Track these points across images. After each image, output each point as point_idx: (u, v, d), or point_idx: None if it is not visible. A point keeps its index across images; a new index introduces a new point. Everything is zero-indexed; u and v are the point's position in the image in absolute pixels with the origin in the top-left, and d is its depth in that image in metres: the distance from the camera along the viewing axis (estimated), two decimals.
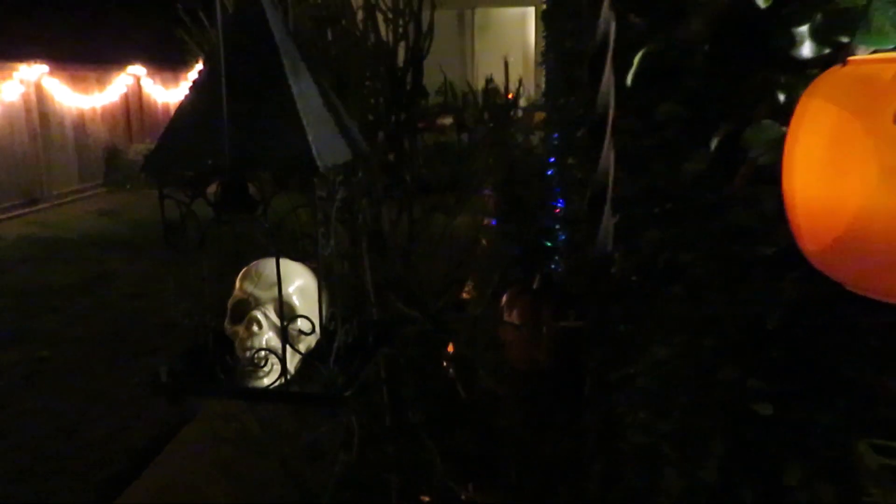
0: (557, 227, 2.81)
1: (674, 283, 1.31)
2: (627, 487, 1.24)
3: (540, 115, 3.45)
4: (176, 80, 15.72)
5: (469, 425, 1.89)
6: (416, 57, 1.83)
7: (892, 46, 0.99)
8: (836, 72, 0.91)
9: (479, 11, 12.17)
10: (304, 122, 0.86)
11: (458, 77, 5.26)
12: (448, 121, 3.08)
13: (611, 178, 0.94)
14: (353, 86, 1.76)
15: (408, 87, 1.82)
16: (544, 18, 3.06)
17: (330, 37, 1.77)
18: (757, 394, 1.19)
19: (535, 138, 3.73)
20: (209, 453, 2.54)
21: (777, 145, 1.12)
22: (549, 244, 2.90)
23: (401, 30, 1.81)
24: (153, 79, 15.10)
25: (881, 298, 0.89)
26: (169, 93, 15.68)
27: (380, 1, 1.76)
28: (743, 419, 1.19)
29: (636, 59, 1.10)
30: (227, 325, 0.98)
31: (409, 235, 1.75)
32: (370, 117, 1.77)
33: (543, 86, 3.39)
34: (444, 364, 1.94)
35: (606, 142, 0.92)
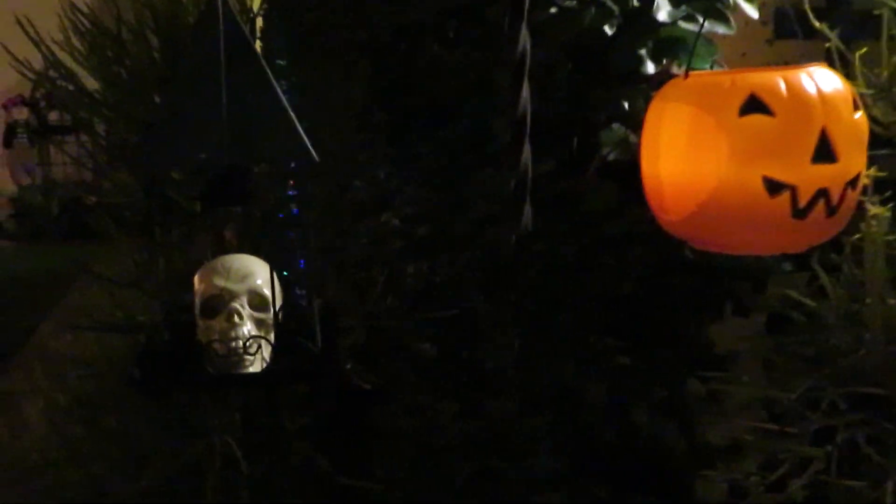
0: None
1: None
2: None
3: None
4: None
5: None
6: None
7: (706, 67, 1.33)
8: (680, 82, 1.19)
9: None
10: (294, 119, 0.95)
11: None
12: None
13: (529, 170, 1.13)
14: None
15: None
16: None
17: None
18: (617, 350, 1.46)
19: None
20: None
21: (623, 144, 1.40)
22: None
23: None
24: None
25: (737, 252, 1.19)
26: None
27: None
28: (607, 372, 1.45)
29: None
30: (199, 320, 1.01)
31: None
32: None
33: None
34: None
35: (526, 140, 1.12)
